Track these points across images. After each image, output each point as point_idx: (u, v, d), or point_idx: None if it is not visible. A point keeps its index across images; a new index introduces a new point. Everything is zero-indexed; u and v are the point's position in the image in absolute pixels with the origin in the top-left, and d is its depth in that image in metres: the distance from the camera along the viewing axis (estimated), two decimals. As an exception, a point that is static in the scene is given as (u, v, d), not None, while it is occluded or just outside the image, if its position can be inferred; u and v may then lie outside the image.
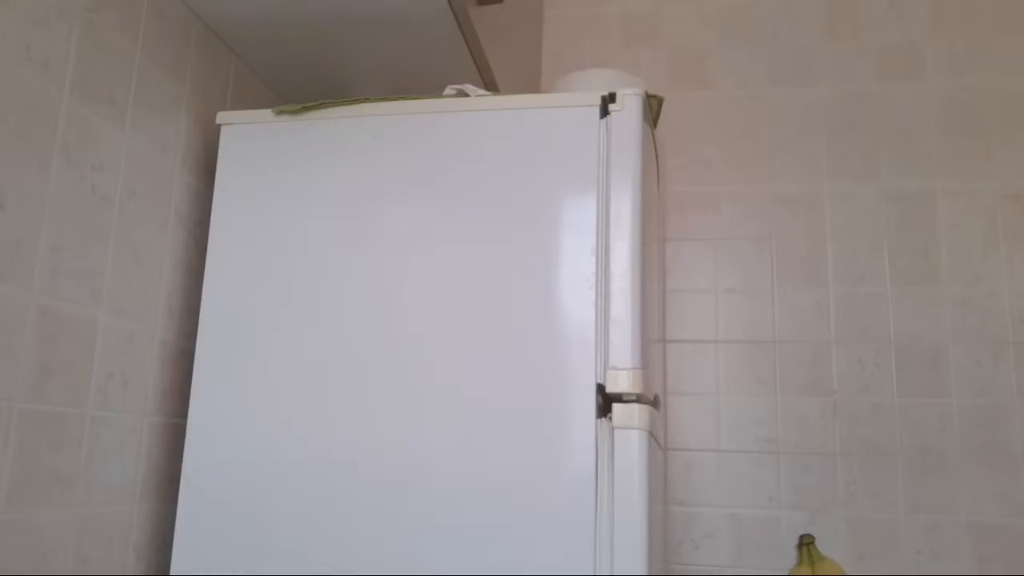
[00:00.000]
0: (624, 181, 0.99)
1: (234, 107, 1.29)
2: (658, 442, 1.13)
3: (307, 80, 1.37)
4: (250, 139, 1.11)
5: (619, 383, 0.93)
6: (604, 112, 1.02)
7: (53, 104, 0.90)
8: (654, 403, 1.08)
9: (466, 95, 1.09)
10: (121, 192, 1.02)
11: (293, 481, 0.99)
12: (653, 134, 1.17)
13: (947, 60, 1.76)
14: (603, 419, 0.93)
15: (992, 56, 1.75)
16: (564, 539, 0.90)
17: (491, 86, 1.35)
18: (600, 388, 0.94)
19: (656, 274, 1.73)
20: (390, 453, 0.97)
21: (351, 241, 1.04)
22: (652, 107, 1.11)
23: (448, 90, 1.12)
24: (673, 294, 1.74)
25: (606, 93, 1.02)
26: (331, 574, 0.95)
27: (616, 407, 0.93)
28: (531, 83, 1.76)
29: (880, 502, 1.59)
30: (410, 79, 1.34)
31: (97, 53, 0.97)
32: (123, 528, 1.02)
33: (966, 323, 1.64)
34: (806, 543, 1.57)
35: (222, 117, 1.13)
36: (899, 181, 1.72)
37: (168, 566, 1.09)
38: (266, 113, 1.11)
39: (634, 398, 0.94)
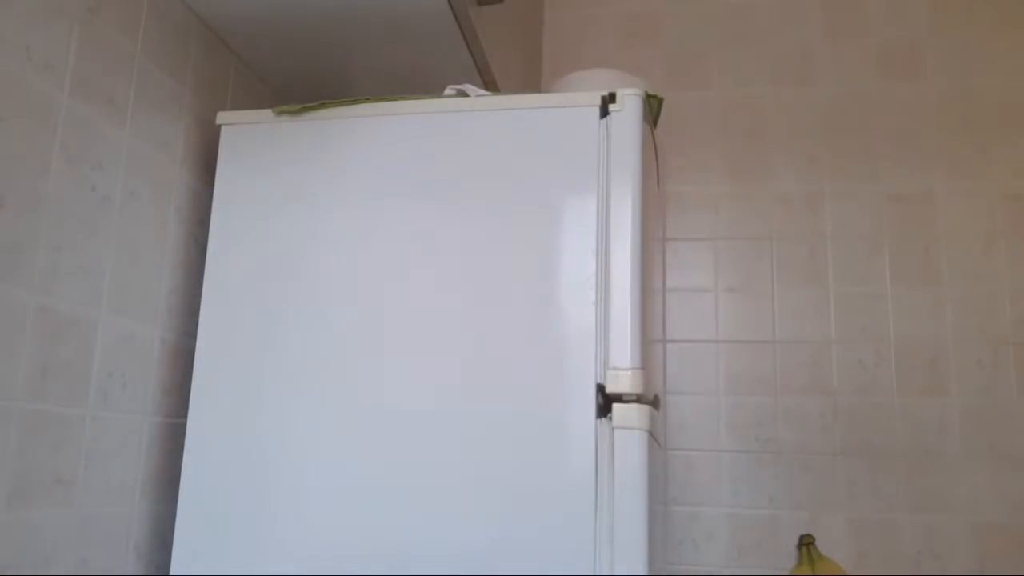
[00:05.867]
0: (624, 181, 0.99)
1: (234, 107, 1.29)
2: (658, 442, 1.13)
3: (307, 80, 1.37)
4: (250, 139, 1.11)
5: (619, 383, 0.93)
6: (604, 112, 1.02)
7: (53, 104, 0.90)
8: (654, 403, 1.08)
9: (466, 95, 1.09)
10: (121, 192, 1.02)
11: (293, 481, 0.99)
12: (653, 134, 1.17)
13: (947, 60, 1.76)
14: (603, 419, 0.93)
15: (992, 56, 1.75)
16: (564, 539, 0.90)
17: (491, 86, 1.35)
18: (600, 388, 0.94)
19: (656, 274, 1.73)
20: (389, 452, 0.97)
21: (351, 241, 1.04)
22: (652, 107, 1.11)
23: (448, 90, 1.12)
24: (673, 294, 1.74)
25: (606, 93, 1.02)
26: (331, 574, 0.95)
27: (616, 407, 0.93)
28: (531, 83, 1.76)
29: (880, 502, 1.59)
30: (410, 79, 1.34)
31: (97, 53, 0.97)
32: (123, 528, 1.02)
33: (966, 323, 1.64)
34: (806, 543, 1.57)
35: (222, 117, 1.13)
36: (899, 181, 1.72)
37: (168, 566, 1.09)
38: (266, 113, 1.11)
39: (634, 398, 0.94)
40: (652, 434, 0.97)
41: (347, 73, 1.34)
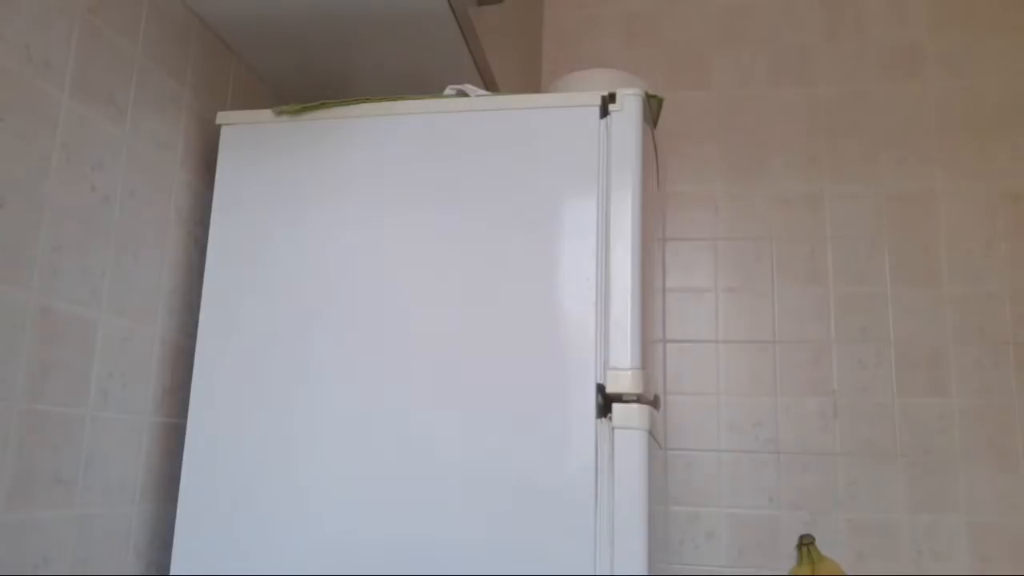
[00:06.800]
0: (624, 181, 0.99)
1: (234, 107, 1.29)
2: (658, 442, 1.13)
3: (307, 80, 1.37)
4: (250, 139, 1.11)
5: (619, 383, 0.93)
6: (604, 112, 1.02)
7: (53, 104, 0.90)
8: (654, 403, 1.08)
9: (466, 95, 1.09)
10: (121, 192, 1.02)
11: (293, 481, 0.99)
12: (653, 134, 1.17)
13: (947, 60, 1.76)
14: (603, 419, 0.93)
15: (992, 56, 1.75)
16: (564, 539, 0.90)
17: (491, 86, 1.35)
18: (600, 388, 0.94)
19: (656, 274, 1.73)
20: (389, 452, 0.97)
21: (350, 241, 1.04)
22: (652, 107, 1.11)
23: (448, 90, 1.12)
24: (673, 294, 1.74)
25: (606, 93, 1.02)
26: (331, 574, 0.95)
27: (616, 407, 0.93)
28: (531, 83, 1.76)
29: (880, 502, 1.59)
30: (410, 79, 1.34)
31: (97, 53, 0.97)
32: (123, 528, 1.02)
33: (966, 323, 1.64)
34: (806, 543, 1.57)
35: (222, 117, 1.13)
36: (899, 181, 1.72)
37: (168, 566, 1.09)
38: (266, 113, 1.11)
39: (634, 398, 0.94)
40: (652, 434, 0.97)
41: (347, 73, 1.34)
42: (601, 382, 0.94)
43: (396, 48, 1.24)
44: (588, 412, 0.93)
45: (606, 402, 0.94)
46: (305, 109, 1.10)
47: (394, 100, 1.08)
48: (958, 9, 1.78)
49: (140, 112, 1.05)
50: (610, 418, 0.93)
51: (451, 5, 1.12)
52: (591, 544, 0.90)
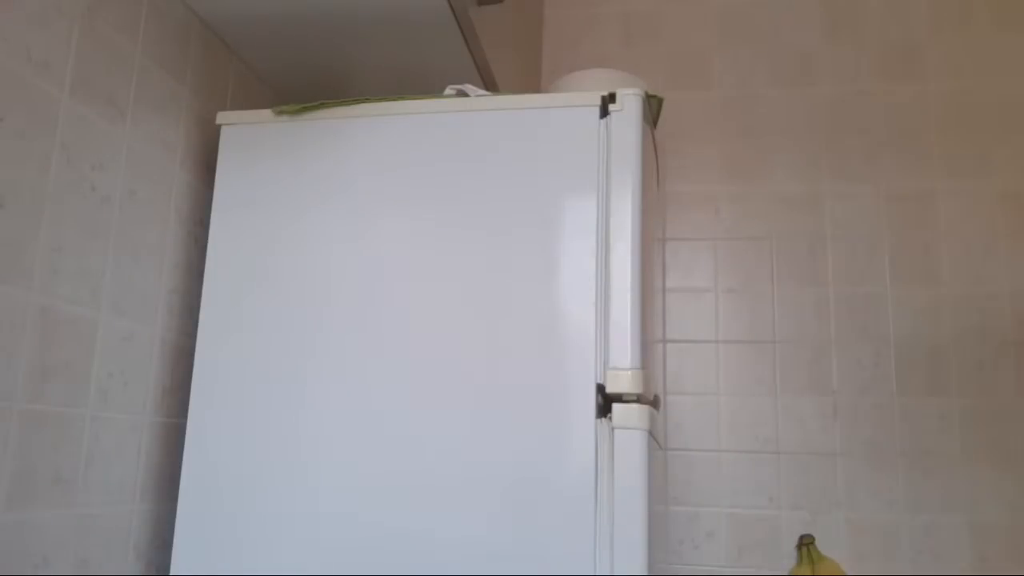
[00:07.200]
0: (624, 181, 0.99)
1: (234, 107, 1.29)
2: (658, 442, 1.13)
3: (307, 80, 1.37)
4: (250, 139, 1.11)
5: (619, 383, 0.93)
6: (604, 112, 1.02)
7: (53, 104, 0.90)
8: (654, 403, 1.08)
9: (466, 95, 1.09)
10: (121, 192, 1.02)
11: (293, 481, 0.99)
12: (653, 134, 1.17)
13: (947, 60, 1.76)
14: (603, 419, 0.93)
15: (992, 56, 1.75)
16: (564, 539, 0.90)
17: (491, 86, 1.35)
18: (600, 388, 0.94)
19: (656, 274, 1.73)
20: (389, 452, 0.97)
21: (350, 241, 1.04)
22: (652, 107, 1.11)
23: (448, 90, 1.12)
24: (673, 294, 1.74)
25: (606, 93, 1.02)
26: (331, 574, 0.95)
27: (616, 407, 0.93)
28: (531, 83, 1.76)
29: (880, 502, 1.59)
30: (410, 79, 1.34)
31: (97, 53, 0.97)
32: (123, 528, 1.02)
33: (966, 323, 1.64)
34: (806, 543, 1.57)
35: (222, 117, 1.13)
36: (899, 181, 1.72)
37: (168, 566, 1.09)
38: (266, 113, 1.11)
39: (634, 398, 0.94)
40: (652, 434, 0.97)
41: (347, 73, 1.34)
42: (601, 382, 0.94)
43: (396, 48, 1.24)
44: (588, 412, 0.93)
45: (606, 402, 0.94)
46: (305, 109, 1.10)
47: (394, 100, 1.08)
48: (958, 9, 1.78)
49: (140, 112, 1.05)
50: (610, 418, 0.93)
51: (451, 5, 1.12)
52: (591, 544, 0.90)
